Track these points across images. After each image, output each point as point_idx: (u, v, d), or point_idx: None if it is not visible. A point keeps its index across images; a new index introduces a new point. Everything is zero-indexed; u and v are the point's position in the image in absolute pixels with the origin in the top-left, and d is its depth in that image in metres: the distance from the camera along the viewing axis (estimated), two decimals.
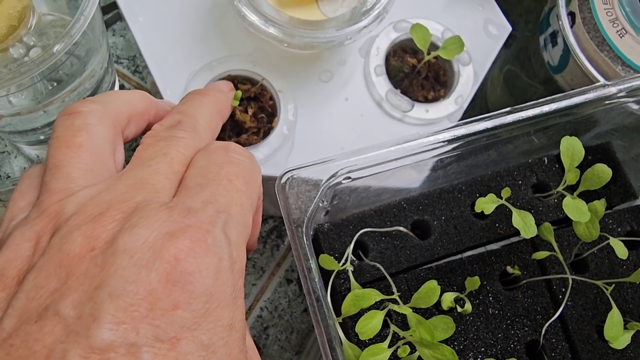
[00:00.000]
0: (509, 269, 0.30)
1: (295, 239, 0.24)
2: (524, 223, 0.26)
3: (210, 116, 0.24)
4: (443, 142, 0.27)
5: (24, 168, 0.46)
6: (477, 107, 0.51)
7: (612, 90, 0.28)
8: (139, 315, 0.16)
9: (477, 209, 0.27)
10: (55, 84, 0.35)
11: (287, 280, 0.45)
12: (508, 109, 0.27)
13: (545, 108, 0.27)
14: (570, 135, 0.32)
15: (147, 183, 0.19)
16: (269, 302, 0.45)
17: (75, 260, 0.17)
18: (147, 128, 0.24)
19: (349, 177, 0.26)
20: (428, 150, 0.27)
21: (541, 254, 0.29)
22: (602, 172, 0.26)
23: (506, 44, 0.49)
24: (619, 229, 0.31)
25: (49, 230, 0.18)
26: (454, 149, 0.28)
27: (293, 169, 0.25)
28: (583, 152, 0.27)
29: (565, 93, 0.28)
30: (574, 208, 0.25)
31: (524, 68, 0.46)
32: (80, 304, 0.16)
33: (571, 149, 0.26)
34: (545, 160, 0.32)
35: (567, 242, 0.31)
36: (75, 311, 0.16)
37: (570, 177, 0.27)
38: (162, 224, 0.18)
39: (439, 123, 0.35)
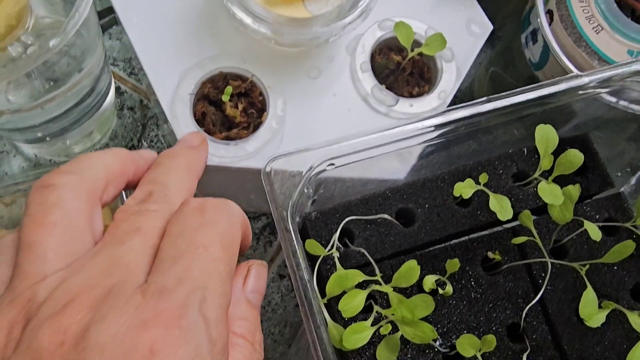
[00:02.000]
0: (490, 254, 0.31)
1: (280, 222, 0.25)
2: (501, 206, 0.27)
3: (182, 180, 0.23)
4: (423, 129, 0.28)
5: (23, 167, 0.47)
6: None
7: (585, 80, 0.29)
8: None
9: (456, 193, 0.28)
10: (52, 82, 0.37)
11: (280, 276, 0.46)
12: (485, 97, 0.29)
13: (521, 97, 0.29)
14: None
15: (120, 263, 0.19)
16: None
17: (46, 356, 0.17)
18: (127, 186, 0.24)
19: (332, 164, 0.28)
20: (409, 138, 0.28)
21: (520, 239, 0.30)
22: (575, 156, 0.27)
23: (492, 45, 0.51)
24: (597, 216, 0.33)
25: (21, 319, 0.18)
26: (435, 137, 0.29)
27: (277, 157, 0.26)
28: (557, 138, 0.28)
29: (540, 83, 0.29)
30: (548, 192, 0.27)
31: (508, 69, 0.47)
32: None
33: (545, 135, 0.28)
34: (525, 151, 0.33)
35: (546, 228, 0.32)
36: None
37: (545, 163, 0.28)
38: (133, 312, 0.17)
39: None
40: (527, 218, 0.30)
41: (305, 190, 0.27)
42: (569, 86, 0.29)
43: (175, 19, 0.37)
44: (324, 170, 0.28)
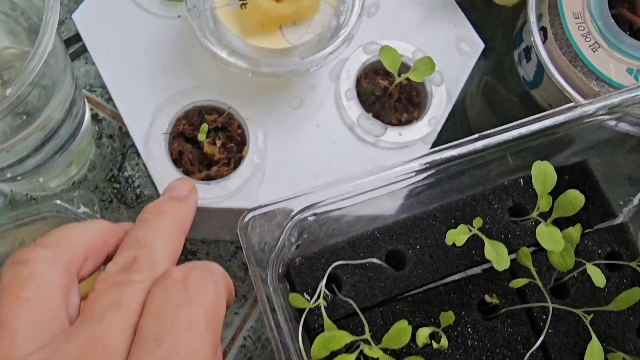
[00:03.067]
0: (487, 297, 0.29)
1: (258, 280, 0.23)
2: (497, 254, 0.25)
3: (170, 240, 0.22)
4: (412, 172, 0.26)
5: None
6: (458, 121, 0.51)
7: (587, 109, 0.27)
8: None
9: (449, 242, 0.26)
10: (24, 117, 0.35)
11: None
12: (476, 135, 0.27)
13: (514, 133, 0.27)
14: (546, 155, 0.32)
15: (98, 343, 0.18)
16: (252, 331, 0.44)
17: None
18: (108, 259, 0.22)
19: (315, 214, 0.26)
20: (397, 182, 0.26)
21: (519, 282, 0.28)
22: (575, 198, 0.25)
23: (484, 56, 0.49)
24: (599, 251, 0.31)
25: None
26: (425, 177, 0.27)
27: (255, 209, 0.24)
28: (555, 176, 0.26)
29: (536, 116, 0.27)
30: (548, 236, 0.25)
31: (501, 81, 0.45)
32: None
33: (542, 173, 0.26)
34: (521, 182, 0.31)
35: (546, 266, 0.30)
36: None
37: (543, 203, 0.26)
38: None
39: (413, 146, 0.35)
40: (526, 256, 0.28)
41: (287, 241, 0.25)
42: (569, 117, 0.27)
43: (146, 52, 0.35)
44: (305, 219, 0.26)
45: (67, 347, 0.18)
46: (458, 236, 0.26)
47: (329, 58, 0.31)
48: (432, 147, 0.37)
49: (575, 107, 0.27)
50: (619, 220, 0.32)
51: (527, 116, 0.42)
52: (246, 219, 0.25)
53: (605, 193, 0.32)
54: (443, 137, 0.47)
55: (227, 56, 0.30)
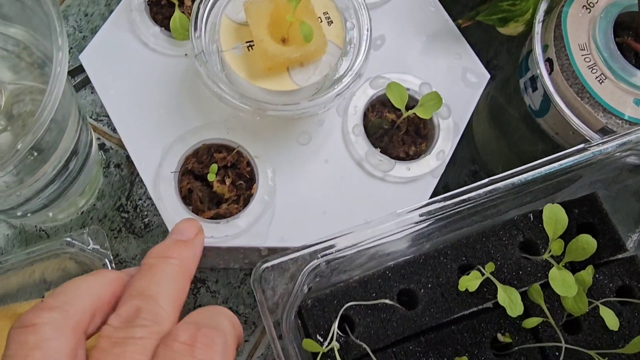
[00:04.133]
0: (500, 336, 0.29)
1: (276, 341, 0.24)
2: (510, 300, 0.25)
3: (174, 289, 0.21)
4: (421, 217, 0.26)
5: (7, 235, 0.45)
6: (464, 139, 0.51)
7: (599, 149, 0.27)
8: None
9: (461, 288, 0.26)
10: (35, 153, 0.35)
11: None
12: (486, 180, 0.27)
13: (524, 177, 0.27)
14: (555, 189, 0.32)
15: None
16: (262, 359, 0.44)
17: None
18: (114, 310, 0.22)
19: (327, 261, 0.26)
20: (405, 229, 0.26)
21: (532, 322, 0.28)
22: (587, 243, 0.25)
23: (491, 76, 0.49)
24: (611, 285, 0.31)
25: None
26: (436, 220, 0.28)
27: (266, 261, 0.25)
28: (566, 220, 0.26)
29: (546, 159, 0.27)
30: (560, 282, 0.25)
31: (507, 101, 0.45)
32: None
33: (554, 217, 0.26)
34: (531, 217, 0.31)
35: (557, 302, 0.30)
36: None
37: (555, 247, 0.26)
38: None
39: (421, 179, 0.35)
40: (538, 294, 0.29)
41: (300, 290, 0.26)
42: (581, 159, 0.27)
43: (154, 91, 0.35)
44: (319, 265, 0.26)
45: None
46: (471, 282, 0.26)
47: (337, 100, 0.31)
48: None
49: (586, 149, 0.27)
50: (629, 253, 0.32)
51: (534, 138, 0.42)
52: (259, 271, 0.25)
53: (614, 226, 0.32)
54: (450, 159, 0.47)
55: (235, 100, 0.30)
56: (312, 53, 0.29)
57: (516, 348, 0.29)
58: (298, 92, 0.31)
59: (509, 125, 0.45)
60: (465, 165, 0.50)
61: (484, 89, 0.48)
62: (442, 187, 0.46)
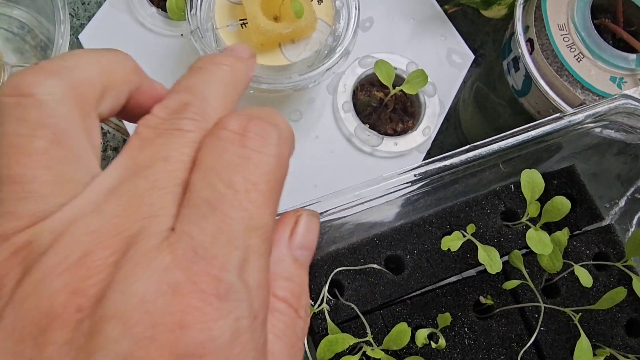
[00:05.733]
0: (482, 299, 0.30)
1: None
2: (490, 258, 0.27)
3: (225, 95, 0.18)
4: (408, 182, 0.28)
5: None
6: (451, 126, 0.52)
7: (574, 119, 0.29)
8: None
9: (444, 247, 0.27)
10: None
11: None
12: (468, 146, 0.28)
13: (504, 143, 0.28)
14: (535, 161, 0.33)
15: (143, 203, 0.15)
16: None
17: (57, 321, 0.13)
18: (129, 102, 0.18)
19: None
20: (395, 192, 0.28)
21: (512, 284, 0.29)
22: (561, 204, 0.27)
23: (475, 63, 0.51)
24: (588, 252, 0.32)
25: (15, 266, 0.14)
26: (420, 186, 0.29)
27: None
28: (543, 184, 0.28)
29: (524, 127, 0.29)
30: (537, 241, 0.26)
31: (491, 88, 0.47)
32: None
33: (531, 181, 0.27)
34: (512, 187, 0.33)
35: (537, 267, 0.32)
36: None
37: (532, 209, 0.27)
38: (162, 273, 0.13)
39: (408, 155, 0.36)
40: (518, 259, 0.30)
41: None
42: (556, 127, 0.28)
43: (151, 69, 0.36)
44: None
45: (107, 205, 0.15)
46: (453, 242, 0.27)
47: (327, 74, 0.32)
48: (427, 152, 0.38)
49: (561, 117, 0.29)
50: (606, 222, 0.33)
51: (517, 121, 0.43)
52: None
53: (592, 196, 0.33)
54: (437, 141, 0.49)
55: None
56: (303, 29, 0.31)
57: (498, 310, 0.31)
58: (290, 67, 0.33)
59: (494, 111, 0.46)
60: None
61: (470, 77, 0.50)
62: None
